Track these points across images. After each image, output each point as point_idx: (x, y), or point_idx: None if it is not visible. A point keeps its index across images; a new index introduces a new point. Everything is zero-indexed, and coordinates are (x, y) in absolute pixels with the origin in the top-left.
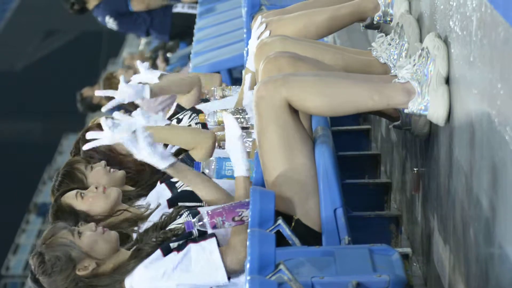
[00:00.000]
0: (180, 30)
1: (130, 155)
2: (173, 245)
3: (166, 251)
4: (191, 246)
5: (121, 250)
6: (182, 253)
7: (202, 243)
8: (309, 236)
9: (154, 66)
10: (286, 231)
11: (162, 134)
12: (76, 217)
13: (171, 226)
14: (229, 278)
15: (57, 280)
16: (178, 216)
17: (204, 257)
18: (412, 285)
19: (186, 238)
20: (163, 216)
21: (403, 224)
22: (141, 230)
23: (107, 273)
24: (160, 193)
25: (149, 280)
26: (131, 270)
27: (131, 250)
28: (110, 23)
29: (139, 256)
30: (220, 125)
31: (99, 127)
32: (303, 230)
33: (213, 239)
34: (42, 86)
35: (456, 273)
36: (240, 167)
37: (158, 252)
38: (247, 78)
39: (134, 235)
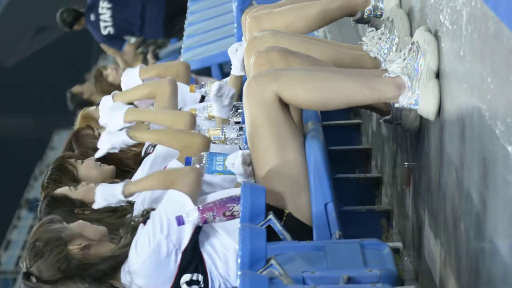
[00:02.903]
0: (175, 10)
1: (125, 153)
2: None
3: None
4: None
5: (107, 243)
6: (152, 213)
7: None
8: (300, 231)
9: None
10: (277, 226)
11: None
12: (72, 204)
13: None
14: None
15: (49, 258)
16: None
17: (169, 202)
18: (403, 280)
19: None
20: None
21: (394, 218)
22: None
23: (98, 256)
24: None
25: (143, 253)
26: (121, 256)
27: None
28: (105, 9)
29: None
30: (211, 120)
31: (89, 128)
32: (294, 224)
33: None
34: (33, 82)
35: (447, 268)
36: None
37: (141, 225)
38: (231, 79)
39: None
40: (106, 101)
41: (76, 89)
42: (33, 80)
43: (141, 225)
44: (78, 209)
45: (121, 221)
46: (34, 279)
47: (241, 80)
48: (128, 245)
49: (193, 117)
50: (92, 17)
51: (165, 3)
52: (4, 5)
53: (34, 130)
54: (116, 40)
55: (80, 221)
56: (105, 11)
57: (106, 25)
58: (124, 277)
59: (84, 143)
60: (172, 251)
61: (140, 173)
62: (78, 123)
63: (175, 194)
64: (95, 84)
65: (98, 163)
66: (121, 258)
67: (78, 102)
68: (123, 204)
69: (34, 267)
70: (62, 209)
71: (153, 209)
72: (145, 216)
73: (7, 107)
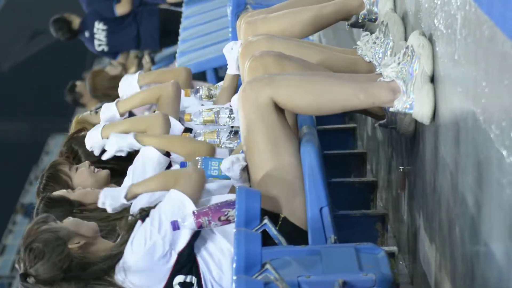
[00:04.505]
0: (169, 25)
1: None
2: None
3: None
4: (159, 203)
5: (103, 240)
6: (152, 211)
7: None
8: (296, 235)
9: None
10: (272, 230)
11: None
12: (70, 204)
13: None
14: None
15: (51, 259)
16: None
17: (170, 202)
18: (399, 284)
19: None
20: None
21: (389, 222)
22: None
23: (98, 254)
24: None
25: (139, 250)
26: (120, 254)
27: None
28: (100, 30)
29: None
30: (206, 124)
31: (85, 130)
32: (289, 229)
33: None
34: (28, 86)
35: (442, 271)
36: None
37: (139, 222)
38: (226, 79)
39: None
40: (108, 108)
41: (80, 88)
42: (28, 84)
43: (139, 222)
44: (77, 209)
45: (119, 222)
46: (32, 280)
47: (237, 79)
48: (126, 242)
49: (166, 118)
50: (87, 34)
51: (159, 20)
52: (0, 9)
53: (29, 134)
54: (110, 53)
55: (72, 219)
56: (100, 32)
57: (100, 44)
58: (119, 273)
59: (83, 145)
60: (167, 251)
61: (127, 181)
62: (73, 128)
63: (176, 195)
64: (89, 83)
65: (92, 168)
66: (119, 255)
67: (74, 99)
68: (126, 207)
69: (33, 268)
70: (60, 209)
71: (153, 208)
72: (143, 213)
73: (2, 111)
